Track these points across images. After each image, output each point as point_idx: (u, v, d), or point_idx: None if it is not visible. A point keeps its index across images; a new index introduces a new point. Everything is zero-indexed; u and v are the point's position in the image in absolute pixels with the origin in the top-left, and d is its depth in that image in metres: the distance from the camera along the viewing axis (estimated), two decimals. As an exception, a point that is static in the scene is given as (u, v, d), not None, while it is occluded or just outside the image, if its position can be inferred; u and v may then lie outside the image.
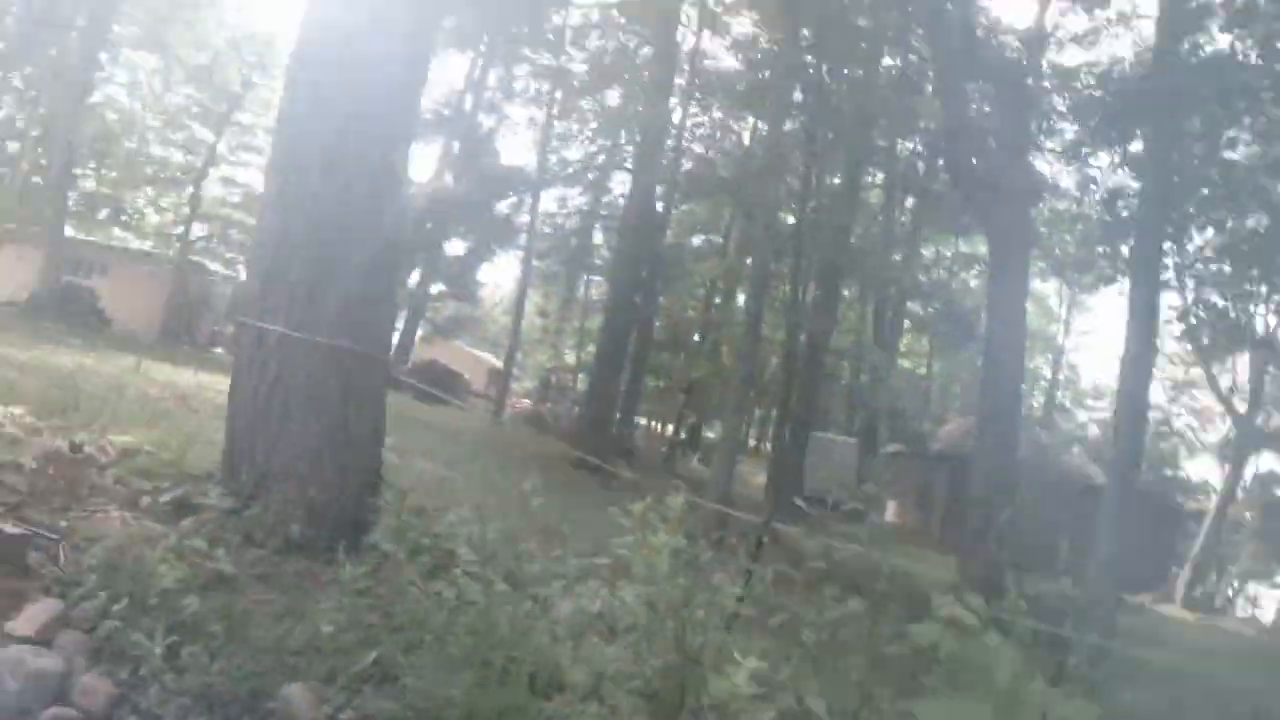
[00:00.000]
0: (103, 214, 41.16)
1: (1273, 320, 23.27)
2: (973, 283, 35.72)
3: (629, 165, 24.97)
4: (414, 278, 29.29)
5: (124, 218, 42.43)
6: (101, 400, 9.43)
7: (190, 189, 33.60)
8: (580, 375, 29.57)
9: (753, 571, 3.64)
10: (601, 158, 28.57)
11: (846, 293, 28.70)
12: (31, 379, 9.53)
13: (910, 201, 29.86)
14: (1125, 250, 17.19)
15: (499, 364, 36.02)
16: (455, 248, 26.45)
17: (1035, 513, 20.49)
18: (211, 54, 33.33)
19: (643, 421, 34.22)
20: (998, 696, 2.09)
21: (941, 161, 21.31)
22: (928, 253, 35.26)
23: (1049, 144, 20.92)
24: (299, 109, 5.08)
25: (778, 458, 23.50)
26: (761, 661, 3.04)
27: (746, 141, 26.56)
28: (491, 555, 3.56)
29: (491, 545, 3.71)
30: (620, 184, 28.02)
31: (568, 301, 33.87)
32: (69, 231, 26.26)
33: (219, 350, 24.45)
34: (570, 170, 28.72)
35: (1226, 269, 19.64)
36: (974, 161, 14.90)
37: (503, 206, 25.35)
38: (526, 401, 36.65)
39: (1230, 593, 30.74)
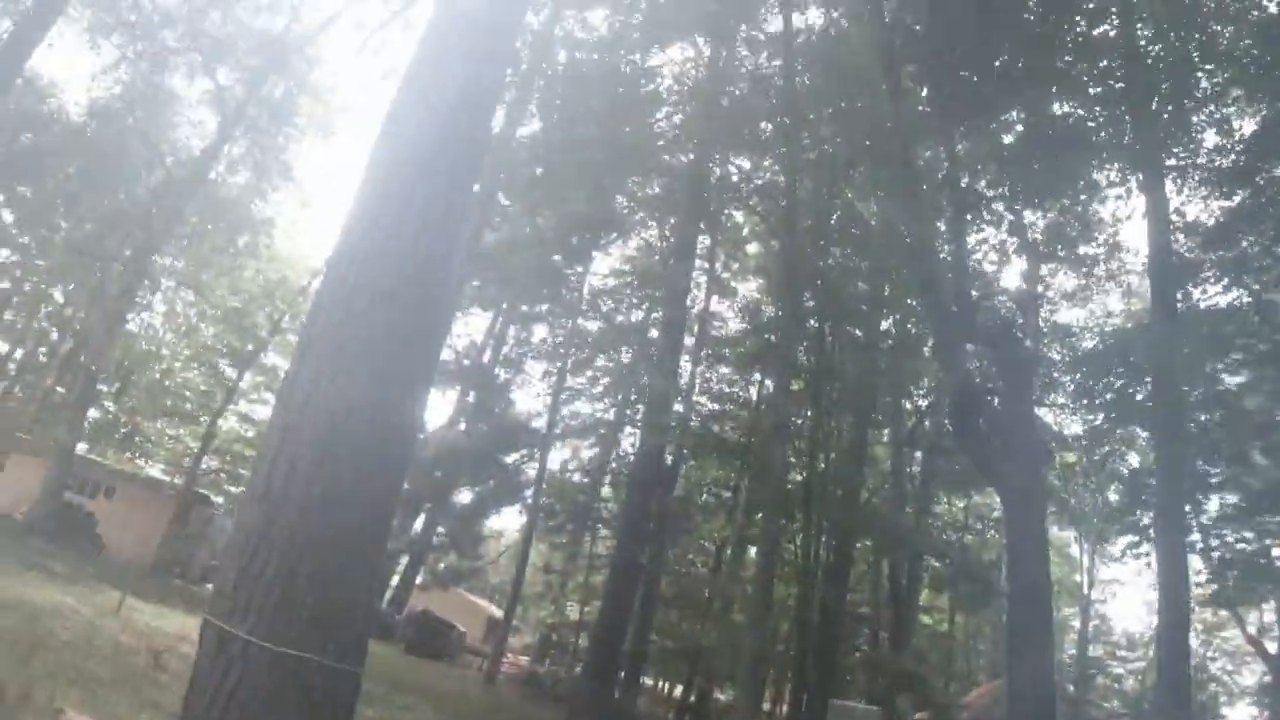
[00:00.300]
0: (118, 434, 41.67)
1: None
2: (989, 533, 34.73)
3: (639, 420, 25.30)
4: (418, 524, 28.91)
5: (137, 440, 42.89)
6: (70, 652, 9.23)
7: (206, 422, 34.02)
8: (582, 633, 28.11)
9: None
10: (612, 412, 29.03)
11: (860, 546, 27.85)
12: (2, 619, 9.53)
13: (919, 456, 29.78)
14: (1146, 519, 16.62)
15: (498, 612, 34.49)
16: (462, 496, 26.20)
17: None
18: (245, 298, 35.23)
19: (649, 681, 32.05)
20: None
21: (946, 421, 21.40)
22: (940, 508, 34.59)
23: (1054, 397, 21.03)
24: (297, 397, 4.93)
25: (794, 730, 21.67)
26: None
27: (754, 397, 27.05)
28: None
29: None
30: (630, 438, 28.29)
31: (573, 555, 32.95)
32: (79, 448, 26.24)
33: (210, 587, 23.56)
34: (580, 424, 29.08)
35: (1245, 509, 18.79)
36: (979, 422, 14.82)
37: (513, 458, 25.39)
38: (525, 660, 34.65)
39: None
